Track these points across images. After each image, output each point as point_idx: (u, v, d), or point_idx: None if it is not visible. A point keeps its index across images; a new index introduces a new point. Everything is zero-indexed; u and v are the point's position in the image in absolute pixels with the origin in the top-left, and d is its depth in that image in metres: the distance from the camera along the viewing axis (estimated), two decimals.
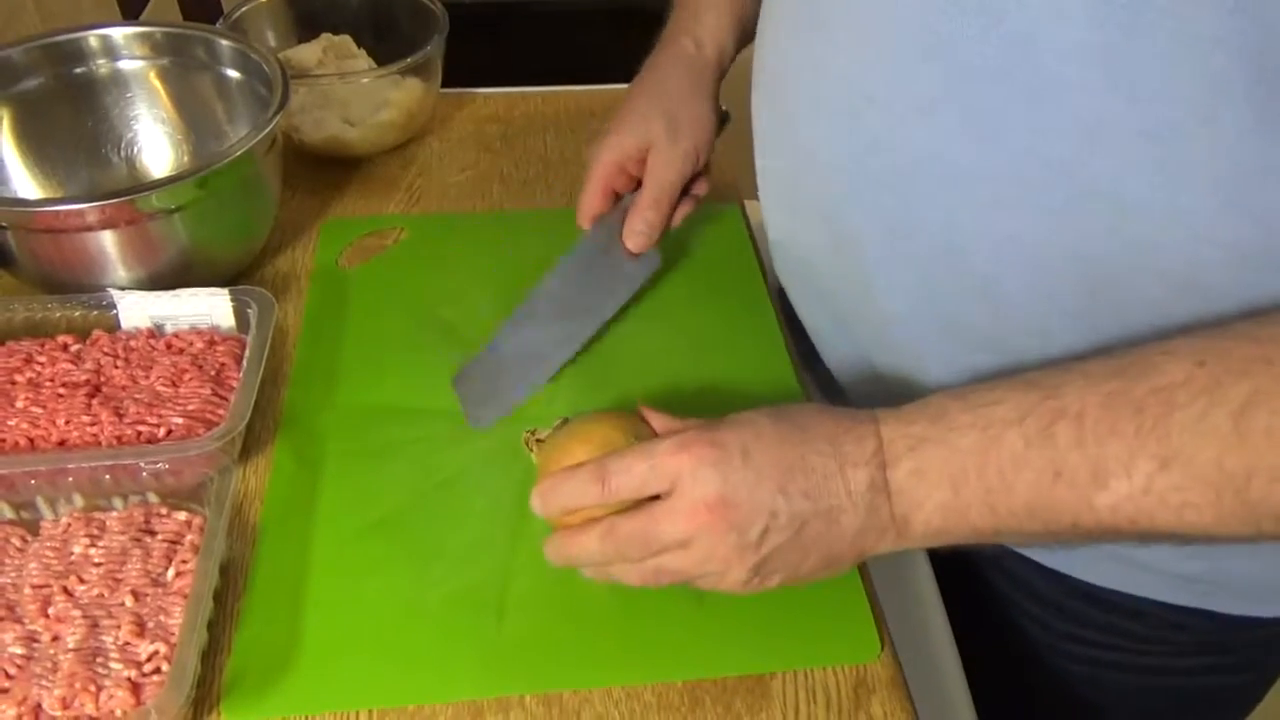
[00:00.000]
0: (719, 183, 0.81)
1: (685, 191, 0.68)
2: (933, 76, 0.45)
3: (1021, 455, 0.42)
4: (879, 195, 0.51)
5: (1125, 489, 0.40)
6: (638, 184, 0.67)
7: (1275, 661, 0.66)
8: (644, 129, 0.65)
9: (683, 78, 0.68)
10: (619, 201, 0.68)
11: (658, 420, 0.53)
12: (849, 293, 0.58)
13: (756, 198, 0.67)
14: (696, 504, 0.45)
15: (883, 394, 0.62)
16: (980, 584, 0.66)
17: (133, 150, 0.78)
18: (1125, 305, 0.45)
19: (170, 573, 0.52)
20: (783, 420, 0.47)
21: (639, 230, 0.65)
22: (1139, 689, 0.65)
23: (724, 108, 0.71)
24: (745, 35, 0.70)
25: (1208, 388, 0.39)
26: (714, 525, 0.45)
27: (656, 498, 0.47)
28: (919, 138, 0.47)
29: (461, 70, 0.92)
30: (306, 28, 0.89)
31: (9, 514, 0.55)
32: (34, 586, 0.51)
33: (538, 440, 0.57)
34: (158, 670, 0.48)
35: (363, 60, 0.88)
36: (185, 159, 0.79)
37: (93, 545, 0.53)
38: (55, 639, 0.49)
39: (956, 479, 0.43)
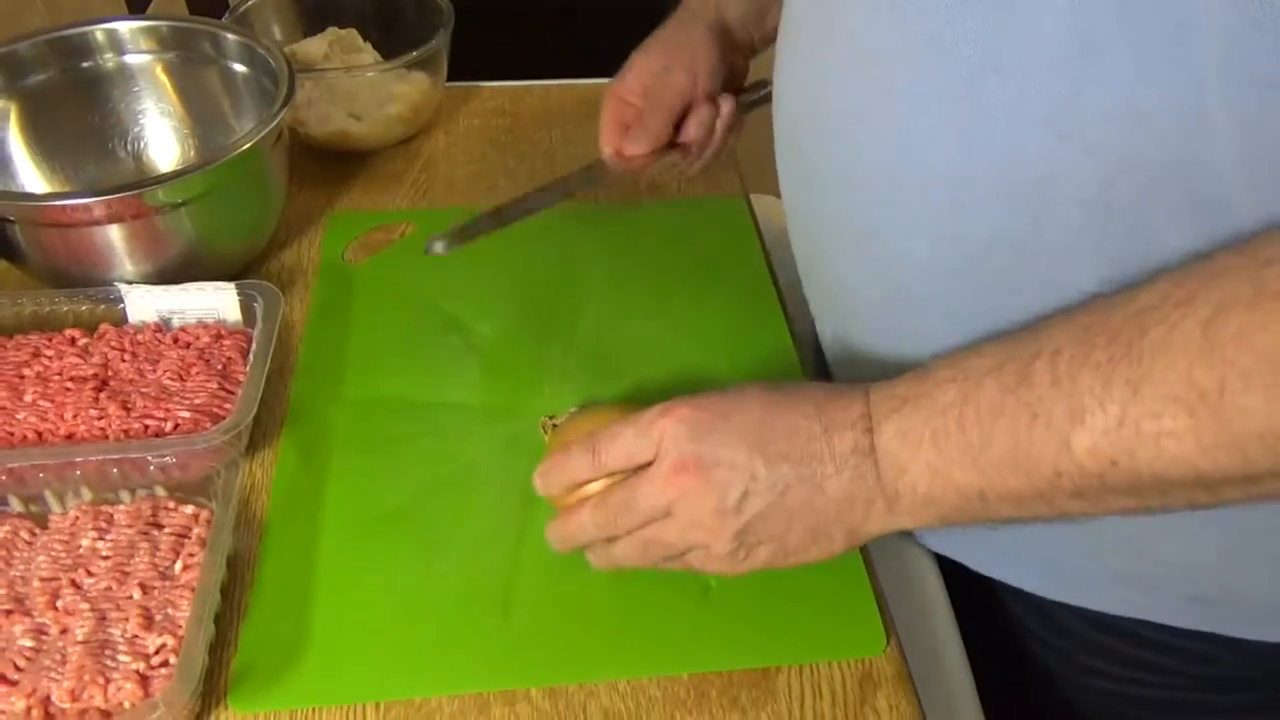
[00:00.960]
0: (724, 176, 0.81)
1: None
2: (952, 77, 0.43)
3: (998, 401, 0.40)
4: (917, 206, 0.48)
5: (1101, 423, 0.37)
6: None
7: None
8: (639, 58, 0.70)
9: (677, 19, 0.71)
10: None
11: None
12: (871, 297, 0.56)
13: (762, 190, 0.67)
14: (674, 466, 0.45)
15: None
16: (996, 616, 0.64)
17: (139, 145, 0.78)
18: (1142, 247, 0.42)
19: (178, 566, 0.52)
20: (771, 389, 0.47)
21: (636, 137, 0.69)
22: None
23: (764, 83, 0.72)
24: (761, 11, 0.72)
25: (1182, 302, 0.35)
26: (691, 486, 0.44)
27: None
28: (951, 142, 0.45)
29: (467, 63, 0.92)
30: (312, 21, 0.89)
31: (18, 507, 0.55)
32: (42, 579, 0.51)
33: (554, 425, 0.58)
34: (165, 663, 0.48)
35: (368, 54, 0.88)
36: (191, 153, 0.79)
37: (100, 538, 0.53)
38: (64, 631, 0.49)
39: (938, 434, 0.41)
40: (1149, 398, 0.36)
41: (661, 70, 0.69)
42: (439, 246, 0.63)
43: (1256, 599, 0.53)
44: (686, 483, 0.45)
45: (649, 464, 0.47)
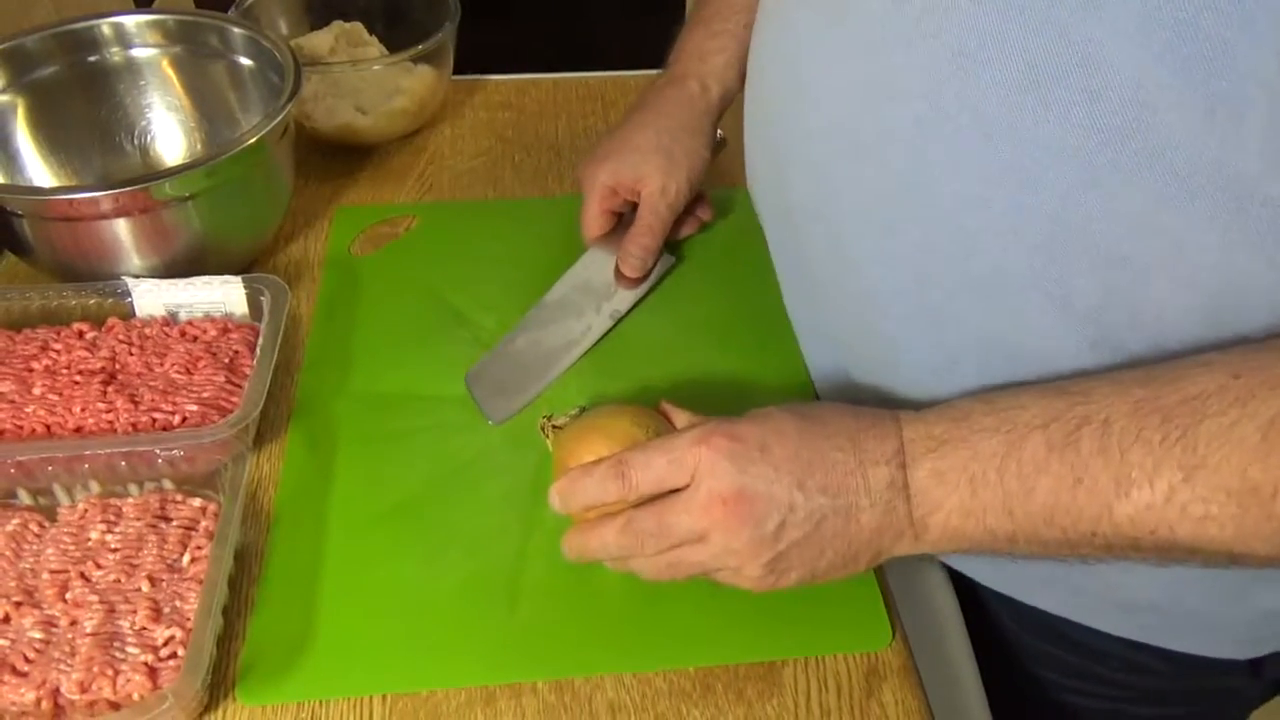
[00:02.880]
0: (730, 166, 0.81)
1: (689, 212, 0.73)
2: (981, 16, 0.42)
3: (1043, 460, 0.41)
4: (890, 222, 0.50)
5: (1147, 498, 0.39)
6: (634, 205, 0.70)
7: None
8: (638, 160, 0.68)
9: (683, 115, 0.70)
10: (621, 219, 0.72)
11: (679, 416, 0.52)
12: (850, 317, 0.57)
13: None
14: (713, 497, 0.45)
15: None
16: (992, 628, 0.64)
17: (146, 138, 0.78)
18: (1140, 307, 0.44)
19: (186, 559, 0.52)
20: (804, 417, 0.47)
21: (634, 254, 0.69)
22: None
23: (720, 134, 0.73)
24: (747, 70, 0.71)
25: (1240, 399, 0.38)
26: (730, 518, 0.44)
27: (675, 492, 0.46)
28: (931, 157, 0.46)
29: (473, 56, 0.92)
30: (318, 15, 0.89)
31: (27, 500, 0.55)
32: (52, 572, 0.52)
33: (554, 426, 0.57)
34: (174, 655, 0.48)
35: (374, 48, 0.88)
36: (198, 147, 0.79)
37: (109, 531, 0.53)
38: (73, 624, 0.49)
39: (976, 480, 0.43)
40: (1201, 485, 0.38)
41: (659, 191, 0.68)
42: (500, 415, 0.63)
43: (1187, 611, 0.54)
44: (725, 513, 0.45)
45: (681, 488, 0.46)
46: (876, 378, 0.57)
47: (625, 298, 0.69)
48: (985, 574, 0.60)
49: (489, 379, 0.64)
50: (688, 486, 0.46)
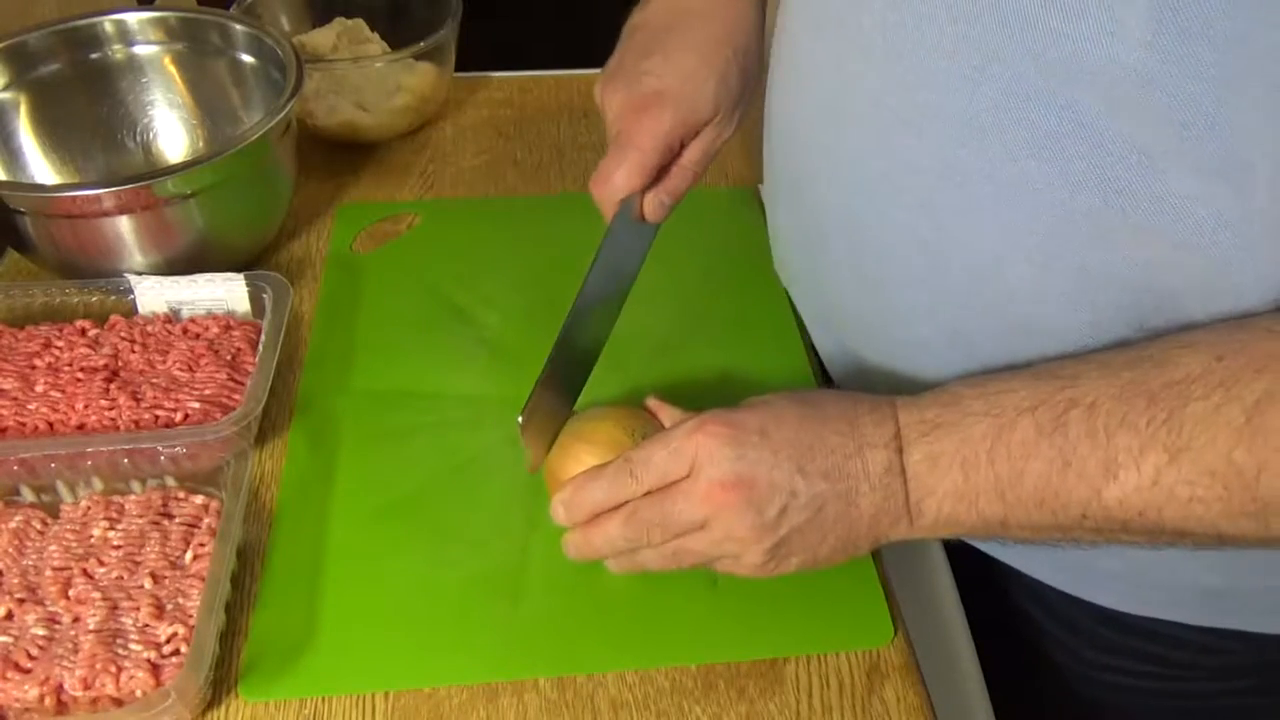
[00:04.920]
0: (732, 166, 0.81)
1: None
2: (979, 97, 0.43)
3: (1033, 443, 0.42)
4: (911, 214, 0.49)
5: (1134, 481, 0.40)
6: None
7: None
8: (715, 100, 0.55)
9: (749, 25, 0.57)
10: None
11: (666, 414, 0.52)
12: (862, 312, 0.57)
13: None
14: (713, 483, 0.45)
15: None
16: (1008, 609, 0.64)
17: (148, 135, 0.78)
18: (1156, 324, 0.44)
19: (188, 556, 0.52)
20: (802, 403, 0.47)
21: (665, 203, 0.57)
22: (1171, 715, 0.64)
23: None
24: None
25: (1224, 382, 0.38)
26: (731, 504, 0.44)
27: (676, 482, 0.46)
28: (959, 158, 0.45)
29: (475, 53, 0.92)
30: (320, 12, 0.89)
31: (29, 497, 0.56)
32: (55, 569, 0.52)
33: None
34: (177, 652, 0.48)
35: (376, 45, 0.88)
36: (200, 144, 0.79)
37: (112, 528, 0.53)
38: (76, 620, 0.50)
39: (968, 464, 0.43)
40: (1186, 467, 0.38)
41: (718, 136, 0.56)
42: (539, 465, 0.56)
43: (1269, 592, 0.54)
44: (726, 499, 0.45)
45: (682, 479, 0.46)
46: (888, 359, 0.57)
47: (628, 283, 0.58)
48: (1045, 572, 0.59)
49: (536, 422, 0.55)
50: (688, 476, 0.46)
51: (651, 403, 0.53)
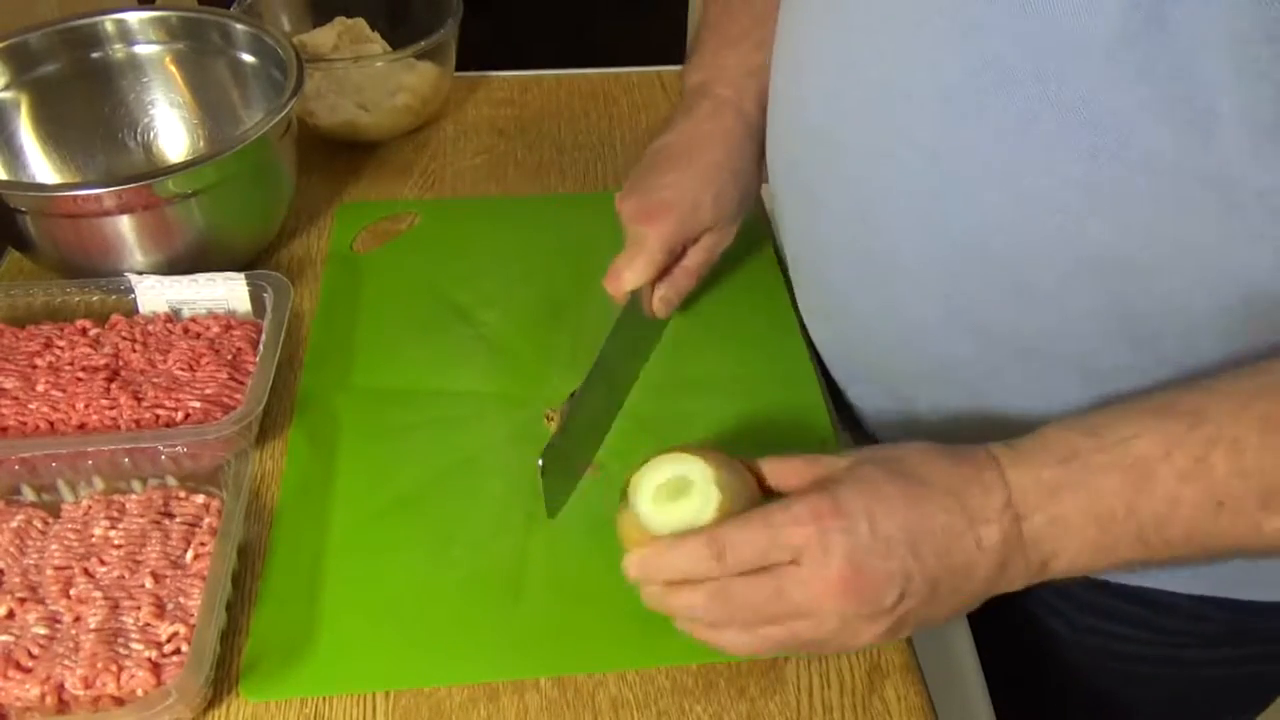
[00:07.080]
0: None
1: None
2: (967, 68, 0.44)
3: (1175, 491, 0.41)
4: (913, 193, 0.49)
5: None
6: None
7: None
8: (702, 211, 0.62)
9: (743, 149, 0.65)
10: None
11: (770, 466, 0.49)
12: (861, 290, 0.57)
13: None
14: (829, 577, 0.42)
15: (899, 419, 0.61)
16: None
17: (149, 135, 0.78)
18: (1164, 309, 0.45)
19: (189, 555, 0.52)
20: (900, 475, 0.44)
21: (671, 300, 0.65)
22: (1165, 681, 0.64)
23: None
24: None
25: None
26: (847, 596, 0.43)
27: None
28: (956, 132, 0.46)
29: (475, 53, 0.92)
30: (321, 12, 0.89)
31: (30, 496, 0.56)
32: (55, 568, 0.52)
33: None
34: (177, 651, 0.48)
35: (377, 44, 0.88)
36: (201, 144, 0.79)
37: (113, 527, 0.53)
38: (77, 619, 0.50)
39: (1104, 520, 0.42)
40: None
41: (719, 242, 0.65)
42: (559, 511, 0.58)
43: (1266, 563, 0.55)
44: (842, 593, 0.43)
45: (783, 564, 0.44)
46: (885, 343, 0.57)
47: (642, 361, 0.66)
48: None
49: (558, 472, 0.57)
50: (795, 563, 0.43)
51: (754, 461, 0.50)
